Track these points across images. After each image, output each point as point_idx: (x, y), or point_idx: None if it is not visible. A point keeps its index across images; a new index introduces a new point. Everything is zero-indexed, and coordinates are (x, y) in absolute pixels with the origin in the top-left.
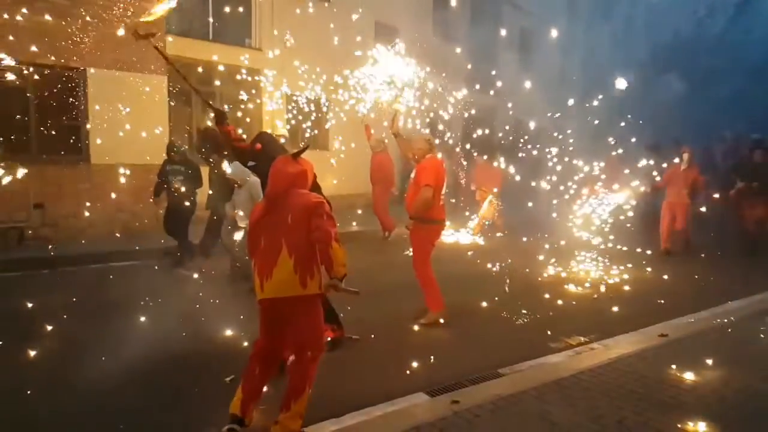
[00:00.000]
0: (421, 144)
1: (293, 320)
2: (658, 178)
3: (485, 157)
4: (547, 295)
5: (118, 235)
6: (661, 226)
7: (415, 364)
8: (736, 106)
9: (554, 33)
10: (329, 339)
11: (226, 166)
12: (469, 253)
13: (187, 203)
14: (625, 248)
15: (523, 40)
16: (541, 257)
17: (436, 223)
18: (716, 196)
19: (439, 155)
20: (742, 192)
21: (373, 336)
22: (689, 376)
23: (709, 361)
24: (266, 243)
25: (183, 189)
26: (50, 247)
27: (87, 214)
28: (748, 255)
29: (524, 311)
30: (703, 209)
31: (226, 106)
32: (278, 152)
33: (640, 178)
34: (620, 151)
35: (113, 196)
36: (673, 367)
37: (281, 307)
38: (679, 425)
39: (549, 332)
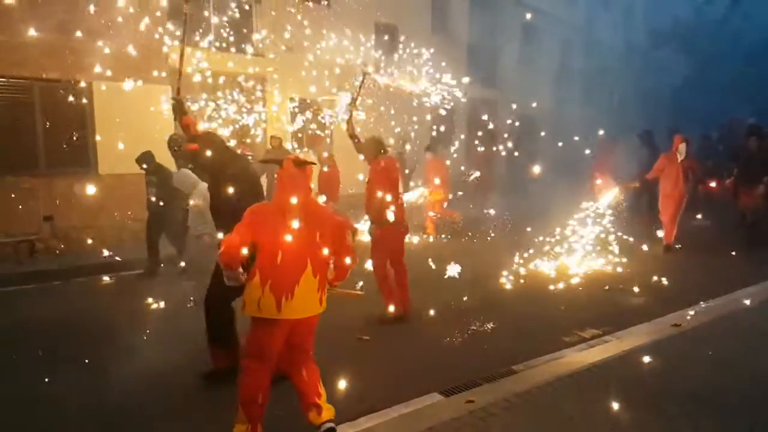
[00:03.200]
0: (371, 146)
1: (305, 337)
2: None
3: (430, 152)
4: (555, 288)
5: (127, 244)
6: (662, 220)
7: (427, 364)
8: (737, 91)
9: (555, 25)
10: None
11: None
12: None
13: (163, 212)
14: (630, 239)
15: (524, 33)
16: (545, 251)
17: (390, 224)
18: (713, 184)
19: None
20: (741, 181)
21: (383, 336)
22: (704, 366)
23: (724, 351)
24: (287, 258)
25: (157, 198)
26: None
27: (96, 225)
28: (746, 245)
29: (535, 306)
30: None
31: (249, 118)
32: (217, 156)
33: (633, 166)
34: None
35: (121, 206)
36: (688, 357)
37: (297, 327)
38: (695, 417)
39: (561, 326)
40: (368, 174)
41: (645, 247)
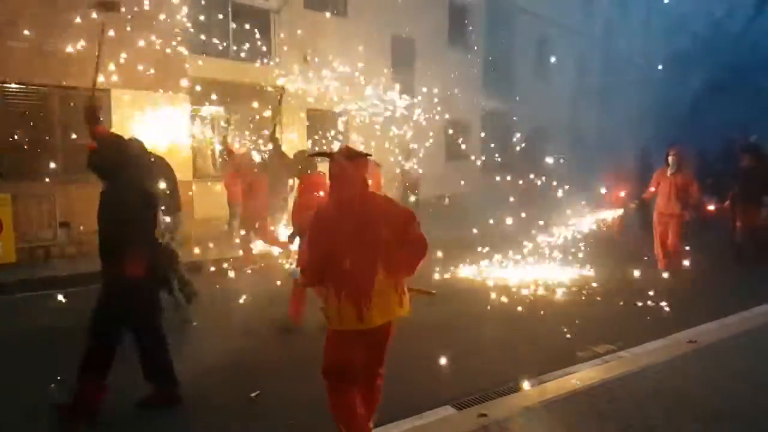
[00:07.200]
0: (302, 162)
1: (381, 345)
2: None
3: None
4: (569, 303)
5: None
6: (655, 244)
7: (440, 376)
8: (756, 105)
9: (572, 41)
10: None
11: None
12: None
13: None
14: (645, 257)
15: (541, 48)
16: (560, 266)
17: None
18: (711, 207)
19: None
20: (740, 199)
21: (395, 347)
22: (721, 382)
23: (741, 367)
24: (355, 263)
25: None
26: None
27: None
28: (738, 263)
29: (548, 320)
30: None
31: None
32: (114, 159)
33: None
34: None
35: None
36: (704, 373)
37: (377, 334)
38: None
39: (575, 341)
40: (298, 189)
41: (656, 264)
